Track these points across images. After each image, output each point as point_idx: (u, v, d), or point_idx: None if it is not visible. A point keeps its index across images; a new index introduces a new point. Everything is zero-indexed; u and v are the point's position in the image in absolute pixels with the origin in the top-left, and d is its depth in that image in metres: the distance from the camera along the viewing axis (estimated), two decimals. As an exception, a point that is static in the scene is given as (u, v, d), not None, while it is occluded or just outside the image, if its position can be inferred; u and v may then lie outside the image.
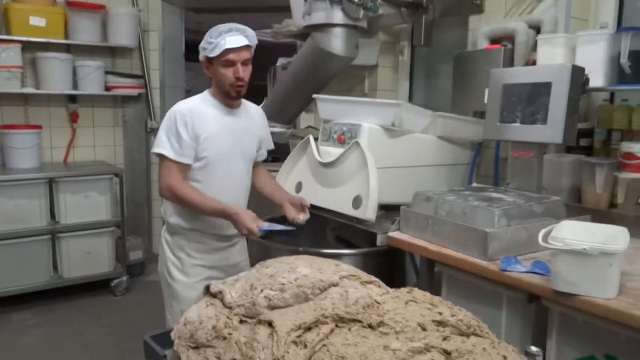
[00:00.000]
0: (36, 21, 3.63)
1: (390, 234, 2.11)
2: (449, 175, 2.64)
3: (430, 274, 2.04)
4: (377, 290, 1.02)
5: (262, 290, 0.98)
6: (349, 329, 0.89)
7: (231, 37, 1.93)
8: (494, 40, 2.61)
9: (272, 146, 2.31)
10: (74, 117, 4.09)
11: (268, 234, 2.21)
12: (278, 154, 2.97)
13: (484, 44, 2.64)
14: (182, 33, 4.65)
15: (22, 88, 3.73)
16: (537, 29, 2.47)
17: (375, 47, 3.42)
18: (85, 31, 3.89)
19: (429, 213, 1.99)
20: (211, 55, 1.95)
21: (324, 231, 2.65)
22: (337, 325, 0.90)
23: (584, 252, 1.40)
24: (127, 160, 4.38)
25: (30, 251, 3.55)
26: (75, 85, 3.94)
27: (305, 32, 2.77)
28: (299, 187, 2.57)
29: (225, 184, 2.05)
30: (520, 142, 2.12)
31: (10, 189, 3.46)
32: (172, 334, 1.00)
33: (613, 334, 1.44)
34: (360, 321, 0.90)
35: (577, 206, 2.24)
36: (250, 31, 2.00)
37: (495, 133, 2.21)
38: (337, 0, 2.49)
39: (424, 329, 0.90)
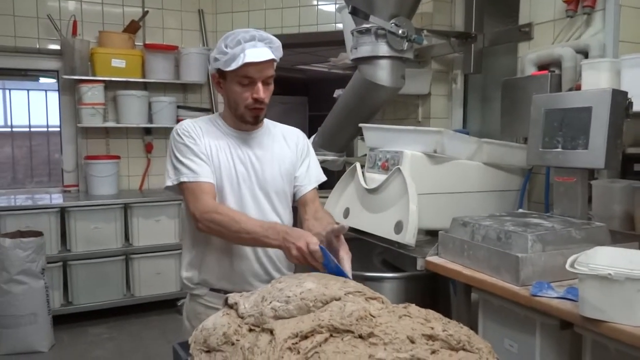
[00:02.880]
0: (117, 63, 4.04)
1: (429, 258, 2.14)
2: (498, 201, 2.62)
3: (468, 299, 2.05)
4: (377, 305, 1.09)
5: (270, 302, 1.08)
6: (342, 339, 0.97)
7: (253, 49, 1.55)
8: (542, 67, 2.60)
9: (322, 178, 1.88)
10: (149, 148, 4.46)
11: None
12: (332, 182, 3.09)
13: (531, 70, 2.63)
14: (248, 68, 4.94)
15: (104, 122, 4.14)
16: (586, 54, 2.45)
17: (428, 76, 3.48)
18: (160, 70, 4.27)
19: (465, 238, 2.01)
20: (226, 69, 1.57)
21: (370, 255, 2.71)
22: (331, 335, 0.98)
23: (609, 277, 1.38)
24: (196, 187, 4.68)
25: (106, 270, 3.88)
26: (150, 119, 4.31)
27: (355, 65, 2.89)
28: (346, 213, 2.66)
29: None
30: (563, 167, 2.10)
31: (91, 213, 3.83)
32: (190, 339, 1.12)
33: (646, 364, 1.39)
34: (352, 332, 0.97)
35: (630, 234, 2.16)
36: (276, 42, 1.62)
37: (538, 159, 2.19)
38: (382, 34, 2.59)
39: (412, 342, 0.96)
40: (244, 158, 1.69)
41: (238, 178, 1.66)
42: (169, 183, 1.63)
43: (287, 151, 1.78)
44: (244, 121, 1.66)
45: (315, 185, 1.84)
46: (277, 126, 1.83)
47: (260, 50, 1.56)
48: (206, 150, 1.64)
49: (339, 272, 1.36)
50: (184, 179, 1.59)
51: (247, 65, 1.54)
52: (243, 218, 1.55)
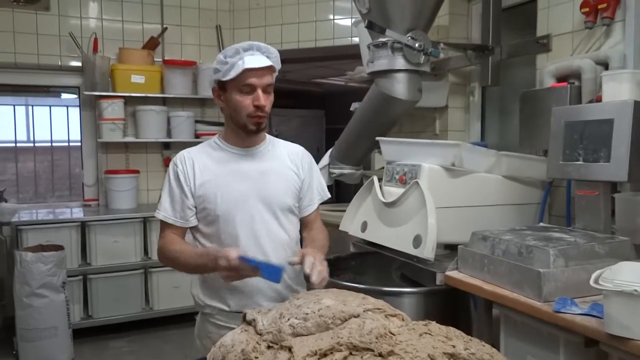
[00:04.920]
0: (137, 79, 4.11)
1: (448, 273, 2.12)
2: (518, 214, 2.59)
3: (489, 315, 2.01)
4: (397, 322, 1.07)
5: (288, 319, 1.08)
6: (361, 357, 0.96)
7: (251, 57, 1.58)
8: (561, 79, 2.58)
9: (326, 195, 1.91)
10: (167, 162, 4.50)
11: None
12: (349, 195, 3.08)
13: (550, 82, 2.61)
14: (264, 83, 4.97)
15: (124, 137, 4.20)
16: (606, 66, 2.42)
17: (445, 89, 3.47)
18: (179, 85, 4.33)
19: (486, 252, 1.98)
20: (225, 78, 1.59)
21: (388, 270, 2.69)
22: (351, 353, 0.97)
23: (635, 293, 1.35)
24: (214, 201, 4.71)
25: (125, 284, 3.91)
26: (169, 134, 4.36)
27: (372, 79, 2.90)
28: (364, 227, 2.65)
29: (246, 245, 1.63)
30: (585, 180, 2.07)
31: (111, 227, 3.87)
32: (208, 356, 1.12)
33: (675, 384, 1.35)
34: (372, 350, 0.96)
35: (657, 248, 2.11)
36: (274, 51, 1.66)
37: (559, 172, 2.16)
38: (398, 48, 2.59)
39: (433, 360, 0.94)
40: (247, 176, 1.69)
41: (241, 198, 1.66)
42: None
43: (291, 167, 1.78)
44: (247, 131, 1.66)
45: (319, 203, 1.87)
46: (280, 143, 1.83)
47: (259, 58, 1.60)
48: (194, 184, 1.65)
49: (274, 268, 1.40)
50: (157, 214, 1.70)
51: (247, 72, 1.57)
52: (184, 251, 1.62)
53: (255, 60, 1.58)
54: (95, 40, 4.18)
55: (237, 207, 1.65)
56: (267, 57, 1.62)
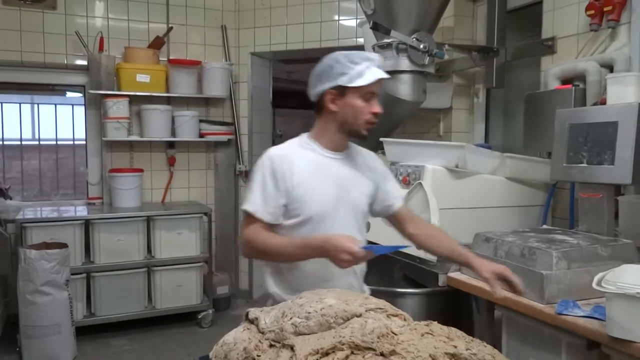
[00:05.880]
0: (142, 78, 4.12)
1: (451, 274, 2.12)
2: (521, 216, 2.59)
3: (491, 317, 2.01)
4: (399, 322, 1.08)
5: (291, 318, 1.08)
6: (363, 357, 0.96)
7: (376, 67, 1.64)
8: (565, 81, 2.58)
9: (403, 193, 2.00)
10: (171, 161, 4.52)
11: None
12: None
13: (554, 84, 2.61)
14: (269, 83, 4.97)
15: (128, 136, 4.21)
16: (611, 68, 2.41)
17: (449, 90, 3.47)
18: (183, 85, 4.33)
19: (488, 254, 1.99)
20: (353, 84, 1.61)
21: (391, 270, 2.69)
22: (352, 352, 0.97)
23: (637, 296, 1.35)
24: (217, 200, 4.73)
25: (128, 282, 3.91)
26: (173, 133, 4.37)
27: (376, 79, 2.90)
28: (367, 227, 2.65)
29: None
30: (588, 183, 2.07)
31: (114, 225, 3.87)
32: (211, 354, 1.12)
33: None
34: (374, 349, 0.96)
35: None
36: None
37: (562, 174, 2.17)
38: (403, 49, 2.60)
39: (435, 360, 0.94)
40: (338, 181, 1.72)
41: (332, 202, 1.70)
42: (242, 205, 1.73)
43: (369, 172, 1.82)
44: (358, 135, 1.72)
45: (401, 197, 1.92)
46: (355, 147, 1.85)
47: (380, 70, 1.65)
48: (291, 183, 1.66)
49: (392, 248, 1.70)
50: (245, 206, 1.68)
51: (376, 81, 1.63)
52: (281, 244, 1.63)
53: (380, 70, 1.64)
54: (101, 39, 4.19)
55: (328, 211, 1.69)
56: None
